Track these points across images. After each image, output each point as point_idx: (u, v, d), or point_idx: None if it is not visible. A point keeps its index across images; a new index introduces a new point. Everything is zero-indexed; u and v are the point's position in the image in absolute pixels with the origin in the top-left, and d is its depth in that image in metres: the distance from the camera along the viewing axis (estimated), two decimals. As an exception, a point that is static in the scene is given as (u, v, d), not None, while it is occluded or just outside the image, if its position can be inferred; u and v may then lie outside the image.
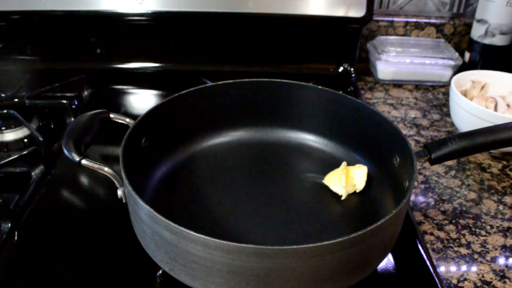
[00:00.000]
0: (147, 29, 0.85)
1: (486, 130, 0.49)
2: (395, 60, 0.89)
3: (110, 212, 0.55)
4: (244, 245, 0.35)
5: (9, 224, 0.53)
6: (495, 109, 0.71)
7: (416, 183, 0.44)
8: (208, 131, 0.62)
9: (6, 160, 0.60)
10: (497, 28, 0.87)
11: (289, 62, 0.90)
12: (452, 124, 0.79)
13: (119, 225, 0.52)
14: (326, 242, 0.36)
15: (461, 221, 0.57)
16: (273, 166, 0.60)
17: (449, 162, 0.68)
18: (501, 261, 0.52)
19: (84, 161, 0.45)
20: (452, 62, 0.88)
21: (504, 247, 0.54)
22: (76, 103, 0.74)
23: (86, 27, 0.85)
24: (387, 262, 0.50)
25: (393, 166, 0.52)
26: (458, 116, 0.72)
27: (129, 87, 0.87)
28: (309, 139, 0.63)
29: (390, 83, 0.92)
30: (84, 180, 0.61)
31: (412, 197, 0.61)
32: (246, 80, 0.61)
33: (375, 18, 0.97)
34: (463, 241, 0.55)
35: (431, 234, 0.55)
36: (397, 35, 0.99)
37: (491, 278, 0.50)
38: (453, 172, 0.66)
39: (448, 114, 0.82)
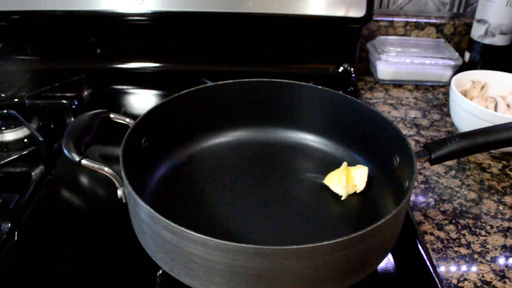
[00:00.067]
0: (147, 29, 0.85)
1: (486, 130, 0.49)
2: (395, 60, 0.89)
3: (110, 212, 0.55)
4: (244, 245, 0.35)
5: (9, 224, 0.53)
6: (495, 109, 0.71)
7: (416, 183, 0.44)
8: (208, 131, 0.62)
9: (6, 160, 0.60)
10: (497, 28, 0.87)
11: (289, 62, 0.90)
12: (452, 124, 0.79)
13: (119, 225, 0.52)
14: (326, 242, 0.36)
15: (461, 221, 0.57)
16: (273, 166, 0.60)
17: (449, 162, 0.68)
18: (501, 261, 0.52)
19: (84, 161, 0.45)
20: (452, 62, 0.88)
21: (504, 247, 0.54)
22: (76, 103, 0.74)
23: (86, 27, 0.85)
24: (387, 262, 0.50)
25: (393, 166, 0.52)
26: (458, 116, 0.72)
27: (129, 87, 0.87)
28: (309, 139, 0.63)
29: (390, 83, 0.92)
30: (84, 180, 0.61)
31: (412, 197, 0.61)
32: (246, 80, 0.61)
33: (375, 18, 0.97)
34: (463, 241, 0.55)
35: (431, 234, 0.55)
36: (397, 35, 0.99)
37: (491, 278, 0.50)
38: (453, 172, 0.66)
39: (448, 114, 0.82)
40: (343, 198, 0.54)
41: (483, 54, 0.91)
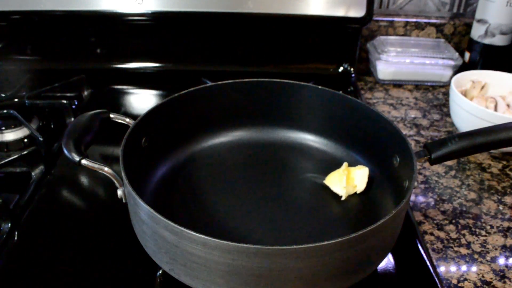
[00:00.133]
0: (147, 29, 0.85)
1: (486, 130, 0.49)
2: (395, 60, 0.89)
3: (110, 212, 0.55)
4: (244, 245, 0.35)
5: (9, 224, 0.53)
6: (495, 109, 0.71)
7: (416, 183, 0.44)
8: (208, 131, 0.62)
9: (6, 160, 0.60)
10: (497, 28, 0.87)
11: (289, 62, 0.90)
12: (452, 124, 0.79)
13: (119, 225, 0.52)
14: (326, 242, 0.36)
15: (461, 221, 0.57)
16: (273, 166, 0.60)
17: (449, 162, 0.68)
18: (501, 261, 0.52)
19: (84, 161, 0.45)
20: (452, 62, 0.88)
21: (504, 247, 0.54)
22: (76, 103, 0.74)
23: (86, 27, 0.85)
24: (387, 262, 0.50)
25: (393, 166, 0.52)
26: (458, 116, 0.72)
27: (129, 87, 0.87)
28: (309, 139, 0.63)
29: (390, 83, 0.92)
30: (84, 180, 0.61)
31: (412, 197, 0.61)
32: (246, 80, 0.61)
33: (375, 18, 0.97)
34: (463, 241, 0.55)
35: (431, 234, 0.55)
36: (397, 35, 0.99)
37: (491, 278, 0.50)
38: (453, 172, 0.66)
39: (448, 114, 0.82)
40: (343, 198, 0.54)
41: (483, 54, 0.91)
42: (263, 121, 0.64)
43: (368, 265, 0.42)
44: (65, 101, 0.73)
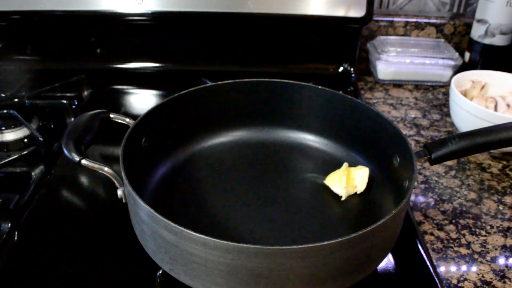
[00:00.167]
0: (147, 29, 0.85)
1: (486, 130, 0.49)
2: (395, 60, 0.89)
3: (110, 212, 0.55)
4: (244, 245, 0.35)
5: (9, 224, 0.53)
6: (495, 109, 0.71)
7: (416, 183, 0.44)
8: (208, 131, 0.62)
9: (6, 160, 0.60)
10: (497, 28, 0.87)
11: (289, 62, 0.90)
12: (452, 124, 0.79)
13: (119, 225, 0.52)
14: (326, 242, 0.36)
15: (461, 221, 0.57)
16: (273, 166, 0.60)
17: (449, 162, 0.68)
18: (501, 261, 0.52)
19: (84, 161, 0.45)
20: (452, 62, 0.88)
21: (504, 247, 0.54)
22: (76, 103, 0.74)
23: (86, 27, 0.85)
24: (387, 262, 0.50)
25: (393, 166, 0.52)
26: (458, 116, 0.72)
27: (129, 87, 0.87)
28: (309, 139, 0.63)
29: (390, 83, 0.92)
30: (84, 180, 0.61)
31: (412, 197, 0.61)
32: (246, 80, 0.61)
33: (375, 18, 0.97)
34: (463, 241, 0.55)
35: (431, 234, 0.55)
36: (397, 35, 0.99)
37: (491, 278, 0.50)
38: (453, 172, 0.66)
39: (448, 114, 0.82)
40: (343, 198, 0.54)
41: (483, 54, 0.91)
42: (263, 121, 0.64)
43: (368, 265, 0.42)
44: (65, 101, 0.73)
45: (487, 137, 0.49)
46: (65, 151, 0.46)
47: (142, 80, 0.88)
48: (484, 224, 0.57)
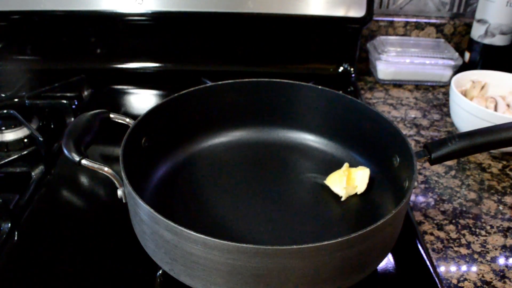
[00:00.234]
0: (147, 29, 0.85)
1: (486, 130, 0.49)
2: (395, 60, 0.89)
3: (110, 212, 0.55)
4: (244, 245, 0.35)
5: (9, 224, 0.53)
6: (495, 109, 0.71)
7: (416, 183, 0.44)
8: (208, 131, 0.62)
9: (6, 160, 0.60)
10: (497, 28, 0.87)
11: (289, 62, 0.90)
12: (452, 124, 0.79)
13: (119, 225, 0.52)
14: (326, 242, 0.36)
15: (461, 221, 0.57)
16: (273, 166, 0.60)
17: (449, 162, 0.68)
18: (501, 261, 0.52)
19: (84, 161, 0.45)
20: (452, 62, 0.88)
21: (504, 247, 0.54)
22: (76, 103, 0.74)
23: (86, 27, 0.85)
24: (387, 262, 0.50)
25: (393, 166, 0.52)
26: (458, 116, 0.72)
27: (129, 87, 0.87)
28: (309, 139, 0.63)
29: (390, 83, 0.92)
30: (84, 180, 0.61)
31: (412, 197, 0.61)
32: (246, 80, 0.61)
33: (375, 18, 0.97)
34: (463, 241, 0.55)
35: (431, 234, 0.55)
36: (397, 35, 0.99)
37: (491, 278, 0.50)
38: (453, 172, 0.66)
39: (448, 114, 0.82)
40: (343, 199, 0.54)
41: (483, 54, 0.91)
42: (263, 121, 0.64)
43: (368, 265, 0.42)
44: (65, 101, 0.73)
45: (487, 137, 0.49)
46: (65, 151, 0.46)
47: (142, 80, 0.88)
48: (484, 224, 0.57)
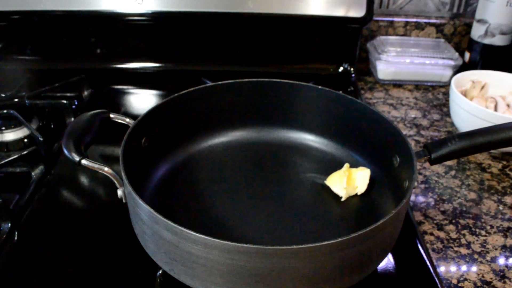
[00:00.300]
0: (147, 29, 0.85)
1: (486, 130, 0.49)
2: (395, 60, 0.89)
3: (110, 212, 0.55)
4: (244, 245, 0.35)
5: (9, 224, 0.53)
6: (495, 109, 0.71)
7: (416, 183, 0.44)
8: (208, 131, 0.62)
9: (6, 160, 0.60)
10: (497, 28, 0.87)
11: (289, 62, 0.90)
12: (452, 124, 0.79)
13: (119, 225, 0.52)
14: (326, 242, 0.36)
15: (461, 221, 0.57)
16: (273, 166, 0.60)
17: (449, 162, 0.68)
18: (501, 261, 0.52)
19: (84, 161, 0.45)
20: (452, 62, 0.88)
21: (504, 247, 0.54)
22: (76, 103, 0.74)
23: (86, 27, 0.85)
24: (387, 262, 0.50)
25: (393, 166, 0.52)
26: (458, 116, 0.72)
27: (129, 87, 0.87)
28: (309, 139, 0.63)
29: (390, 83, 0.92)
30: (84, 180, 0.61)
31: (412, 197, 0.61)
32: (246, 80, 0.61)
33: (375, 18, 0.97)
34: (463, 241, 0.55)
35: (431, 234, 0.55)
36: (397, 35, 0.99)
37: (491, 278, 0.50)
38: (453, 172, 0.66)
39: (448, 114, 0.82)
40: (343, 199, 0.54)
41: (483, 54, 0.91)
42: (263, 121, 0.64)
43: (368, 265, 0.42)
44: (65, 101, 0.73)
45: (487, 137, 0.49)
46: (65, 151, 0.46)
47: (142, 80, 0.88)
48: (484, 224, 0.57)
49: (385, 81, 0.92)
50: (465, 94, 0.76)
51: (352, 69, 0.89)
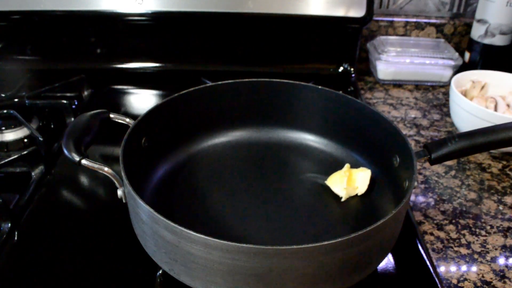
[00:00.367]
0: (147, 29, 0.85)
1: (486, 130, 0.49)
2: (395, 60, 0.89)
3: (110, 212, 0.55)
4: (244, 245, 0.35)
5: (9, 224, 0.53)
6: (495, 109, 0.71)
7: (416, 183, 0.44)
8: (208, 131, 0.62)
9: (6, 160, 0.60)
10: (497, 28, 0.87)
11: (289, 62, 0.90)
12: (452, 124, 0.79)
13: (119, 225, 0.52)
14: (326, 242, 0.36)
15: (461, 221, 0.57)
16: (273, 166, 0.60)
17: (449, 162, 0.68)
18: (501, 261, 0.52)
19: (84, 161, 0.45)
20: (452, 62, 0.88)
21: (504, 247, 0.54)
22: (76, 103, 0.74)
23: (86, 27, 0.85)
24: (387, 262, 0.50)
25: (393, 166, 0.52)
26: (458, 116, 0.72)
27: (129, 87, 0.87)
28: (309, 139, 0.63)
29: (390, 83, 0.92)
30: (84, 180, 0.61)
31: (412, 197, 0.61)
32: (246, 80, 0.61)
33: (375, 18, 0.97)
34: (463, 241, 0.55)
35: (431, 234, 0.55)
36: (397, 35, 0.99)
37: (491, 278, 0.50)
38: (453, 172, 0.66)
39: (448, 114, 0.82)
40: (343, 199, 0.54)
41: (483, 54, 0.91)
42: (263, 121, 0.64)
43: (368, 265, 0.42)
44: (65, 101, 0.73)
45: (487, 137, 0.49)
46: (65, 151, 0.46)
47: (142, 80, 0.88)
48: (484, 224, 0.57)
49: (385, 81, 0.92)
50: (465, 94, 0.76)
51: (352, 69, 0.89)
